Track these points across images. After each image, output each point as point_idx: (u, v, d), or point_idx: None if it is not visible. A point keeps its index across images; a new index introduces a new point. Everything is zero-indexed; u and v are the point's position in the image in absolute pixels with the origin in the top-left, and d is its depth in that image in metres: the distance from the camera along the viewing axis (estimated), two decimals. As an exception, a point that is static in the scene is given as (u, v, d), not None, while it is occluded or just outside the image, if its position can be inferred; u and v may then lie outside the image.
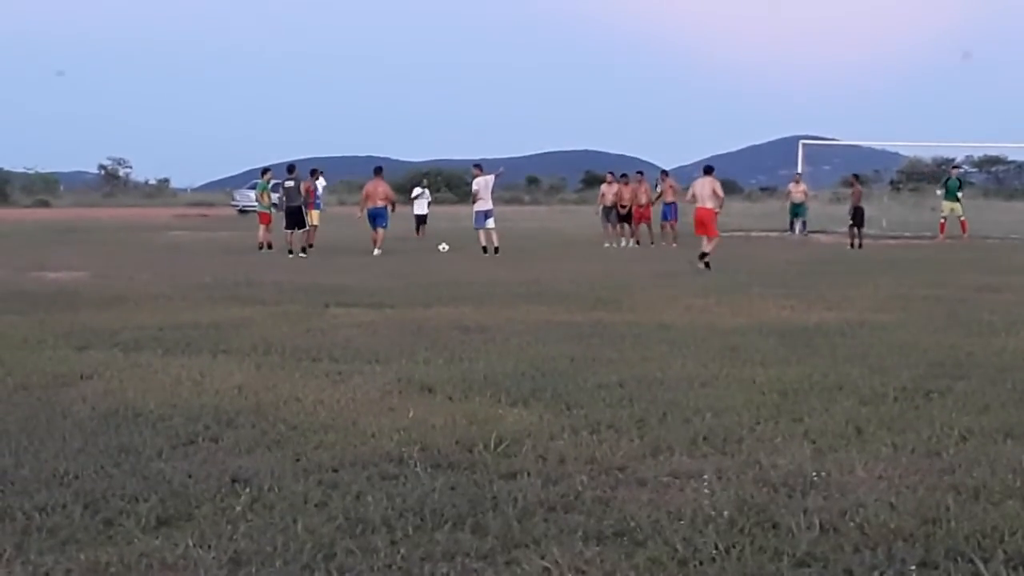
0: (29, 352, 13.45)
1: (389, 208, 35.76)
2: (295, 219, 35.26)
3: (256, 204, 40.70)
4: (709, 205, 29.29)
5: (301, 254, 33.96)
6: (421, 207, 45.84)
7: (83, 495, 7.26)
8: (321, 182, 38.89)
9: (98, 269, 27.05)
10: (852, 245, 37.72)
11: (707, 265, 28.02)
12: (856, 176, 43.85)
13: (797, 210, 46.33)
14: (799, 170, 48.53)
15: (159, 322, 16.21)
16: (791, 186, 47.44)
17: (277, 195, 38.23)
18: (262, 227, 37.08)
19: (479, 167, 37.30)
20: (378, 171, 36.83)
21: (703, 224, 29.26)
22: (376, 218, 35.07)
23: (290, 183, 36.14)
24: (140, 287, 22.07)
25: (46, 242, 38.52)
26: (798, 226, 45.86)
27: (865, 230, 39.68)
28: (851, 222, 39.06)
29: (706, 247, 28.80)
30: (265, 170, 39.82)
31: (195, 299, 19.73)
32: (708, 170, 30.10)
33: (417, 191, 46.65)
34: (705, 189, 29.45)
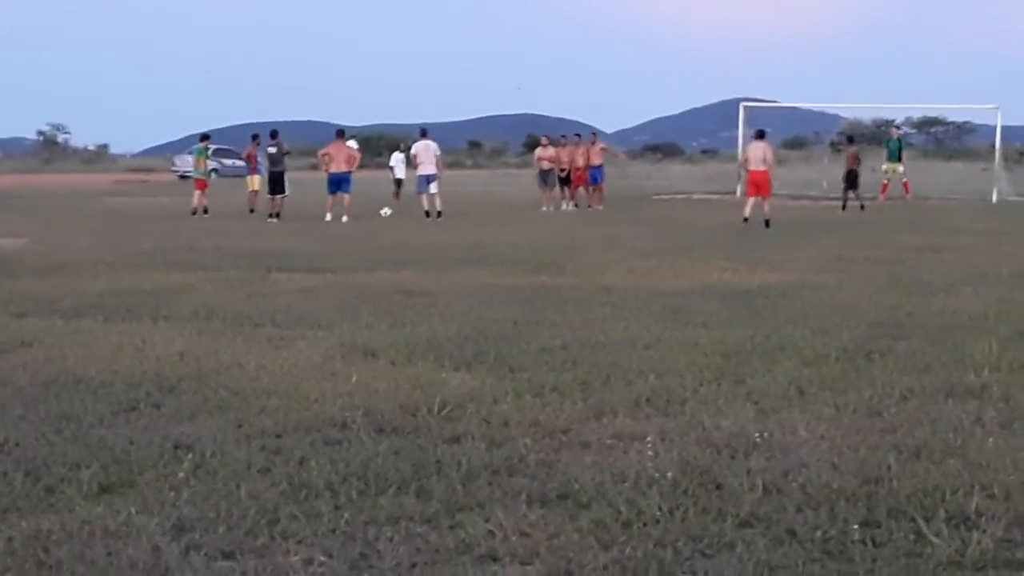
0: (-32, 320, 13.33)
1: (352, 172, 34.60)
2: (278, 184, 34.85)
3: (192, 170, 40.42)
4: (762, 168, 30.80)
5: (274, 219, 33.42)
6: (400, 171, 45.78)
7: (24, 463, 7.22)
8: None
9: (37, 236, 26.82)
10: (844, 207, 37.37)
11: (767, 224, 29.22)
12: (850, 139, 43.88)
13: None
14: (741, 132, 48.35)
15: (100, 289, 16.10)
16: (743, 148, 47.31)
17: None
18: (197, 192, 36.67)
19: (423, 131, 37.08)
20: (340, 134, 35.91)
21: (757, 185, 30.89)
22: (340, 183, 33.84)
23: (272, 148, 35.57)
24: (80, 254, 21.89)
25: (-16, 209, 38.14)
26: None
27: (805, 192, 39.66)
28: (844, 184, 38.76)
29: (753, 208, 30.31)
30: (204, 136, 39.44)
31: (136, 265, 19.61)
32: (760, 135, 32.16)
33: (396, 156, 46.59)
34: (758, 153, 31.08)
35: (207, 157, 38.41)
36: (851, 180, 38.57)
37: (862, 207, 37.02)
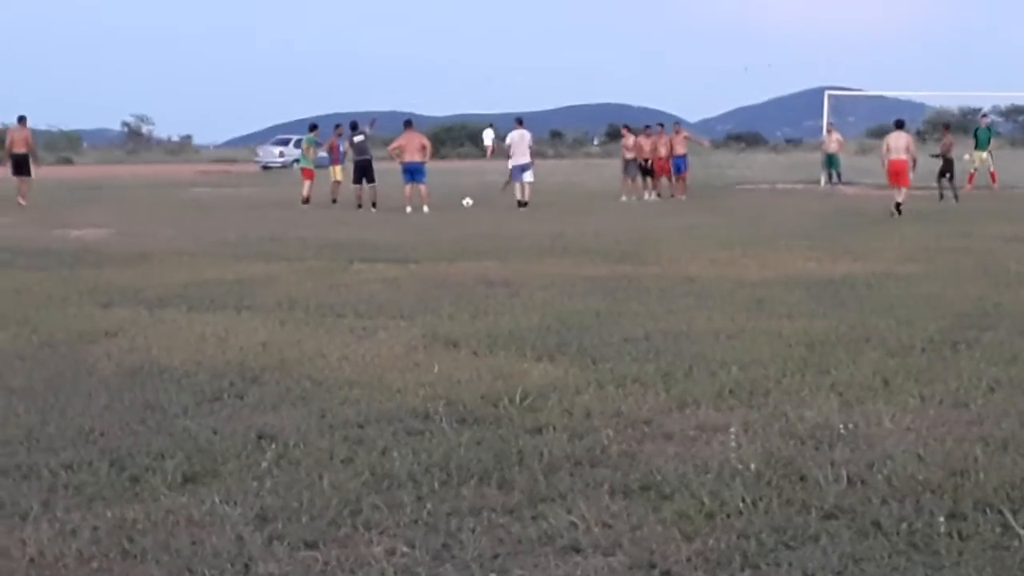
0: (54, 309, 13.48)
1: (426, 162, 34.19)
2: (364, 173, 34.87)
3: (301, 159, 40.34)
4: (904, 157, 30.97)
5: (372, 209, 33.45)
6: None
7: (109, 452, 7.28)
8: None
9: (122, 226, 27.04)
10: (942, 197, 36.82)
11: (899, 211, 29.73)
12: (946, 126, 43.36)
13: (831, 161, 45.88)
14: (829, 121, 47.81)
15: (183, 279, 16.22)
16: (825, 136, 46.85)
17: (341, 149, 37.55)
18: (307, 182, 36.59)
19: (519, 121, 37.01)
20: (408, 124, 35.54)
21: (898, 174, 30.94)
22: (414, 173, 33.44)
23: (359, 137, 35.51)
24: (164, 244, 22.08)
25: (69, 200, 38.46)
26: (834, 177, 45.38)
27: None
28: (939, 174, 38.10)
29: (899, 197, 30.38)
30: (313, 126, 39.15)
31: (219, 256, 19.74)
32: (900, 124, 32.33)
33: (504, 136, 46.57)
34: (900, 142, 31.29)
35: (316, 146, 38.34)
36: (946, 169, 37.88)
37: (956, 198, 36.47)
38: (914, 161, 31.29)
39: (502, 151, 37.31)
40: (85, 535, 5.87)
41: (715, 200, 37.10)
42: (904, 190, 30.67)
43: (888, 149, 31.52)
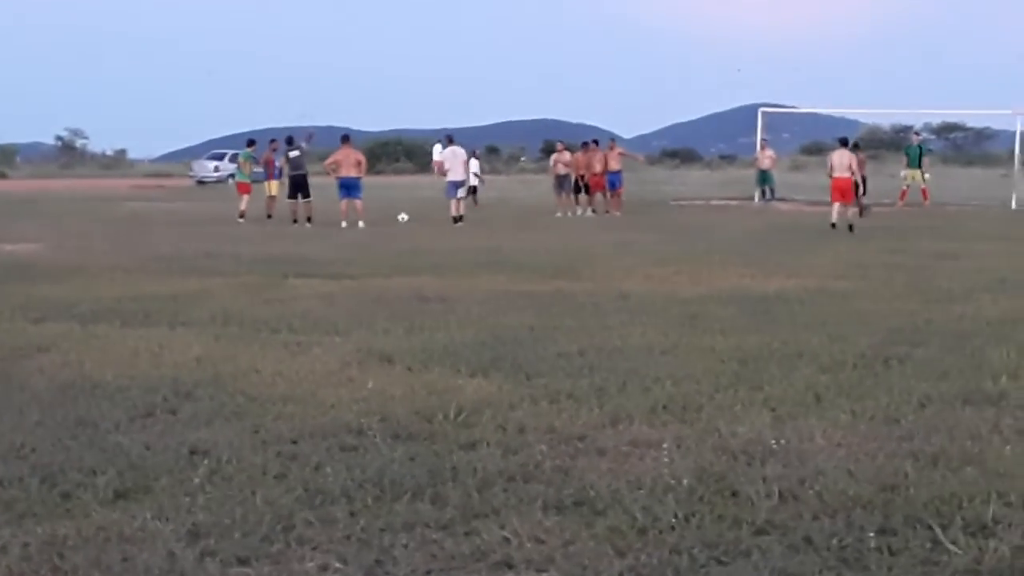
0: (-15, 325, 13.36)
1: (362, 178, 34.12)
2: (299, 188, 34.78)
3: (237, 173, 40.16)
4: (846, 175, 31.40)
5: (307, 224, 33.33)
6: (473, 178, 46.24)
7: (40, 468, 7.24)
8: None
9: (55, 241, 26.85)
10: (861, 213, 37.04)
11: (851, 228, 30.07)
12: (855, 144, 43.75)
13: (764, 177, 46.23)
14: (763, 137, 48.13)
15: (117, 294, 16.13)
16: (758, 153, 47.19)
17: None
18: (243, 197, 36.46)
19: (450, 138, 37.17)
20: (346, 139, 35.41)
21: (842, 191, 31.37)
22: (350, 188, 33.52)
23: (295, 152, 35.46)
24: (97, 259, 21.92)
25: (2, 214, 38.17)
26: (767, 193, 45.72)
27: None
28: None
29: (846, 214, 30.99)
30: (251, 141, 38.93)
31: (153, 271, 19.65)
32: (844, 142, 32.91)
33: (473, 163, 47.14)
34: (843, 160, 31.71)
35: (253, 161, 38.20)
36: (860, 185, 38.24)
37: (861, 213, 36.82)
38: (863, 180, 31.95)
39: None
40: (15, 552, 5.83)
41: (650, 216, 37.23)
42: (849, 208, 31.09)
43: (832, 167, 31.96)
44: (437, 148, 44.33)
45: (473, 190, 45.31)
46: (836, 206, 31.05)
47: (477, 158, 47.31)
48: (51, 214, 38.85)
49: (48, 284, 17.54)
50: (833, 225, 30.27)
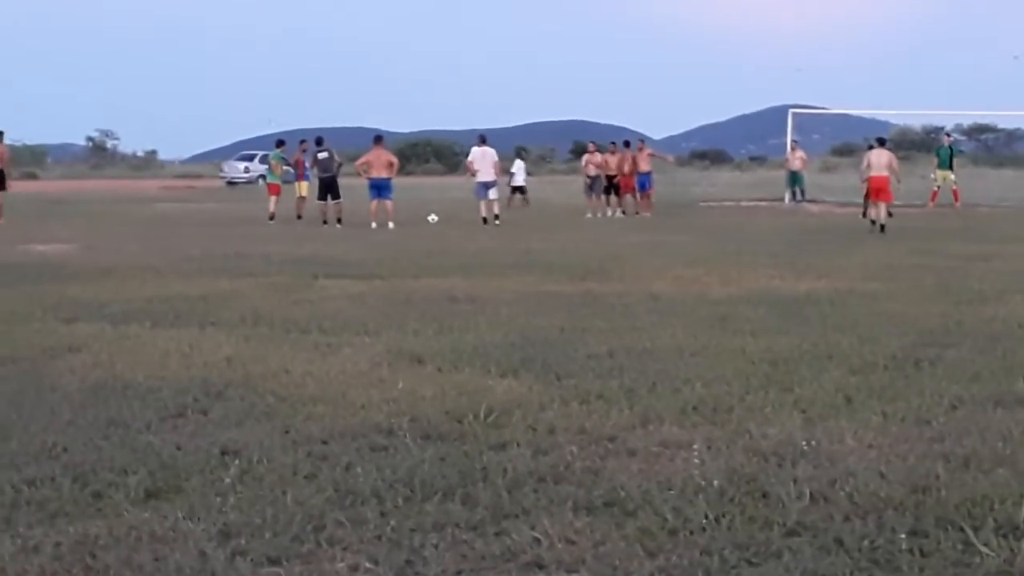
0: (17, 325, 13.42)
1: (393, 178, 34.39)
2: (328, 190, 34.84)
3: (267, 174, 40.16)
4: (885, 173, 31.27)
5: (337, 225, 33.46)
6: (519, 178, 46.64)
7: (72, 468, 7.25)
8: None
9: (86, 241, 26.96)
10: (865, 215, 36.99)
11: (883, 229, 29.97)
12: (880, 141, 43.55)
13: (794, 178, 46.15)
14: (793, 138, 47.97)
15: (148, 294, 16.18)
16: (788, 154, 47.05)
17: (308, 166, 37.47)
18: (273, 198, 36.55)
19: (482, 138, 37.15)
20: (378, 140, 35.47)
21: (879, 190, 31.23)
22: (380, 189, 33.65)
23: (323, 154, 35.38)
24: (128, 259, 22.00)
25: (34, 215, 38.31)
26: (798, 194, 45.62)
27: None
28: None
29: (882, 213, 30.82)
30: (280, 142, 38.93)
31: (183, 271, 19.69)
32: (882, 141, 32.86)
33: (518, 163, 47.79)
34: (881, 159, 31.56)
35: (283, 162, 38.21)
36: None
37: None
38: (897, 179, 31.73)
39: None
40: (47, 551, 5.84)
41: (679, 217, 37.20)
42: (884, 206, 30.88)
43: (869, 166, 31.70)
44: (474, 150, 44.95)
45: (522, 190, 45.60)
46: (881, 205, 30.92)
47: (523, 159, 47.91)
48: (82, 215, 39.02)
49: (79, 285, 17.59)
50: (873, 223, 30.36)
